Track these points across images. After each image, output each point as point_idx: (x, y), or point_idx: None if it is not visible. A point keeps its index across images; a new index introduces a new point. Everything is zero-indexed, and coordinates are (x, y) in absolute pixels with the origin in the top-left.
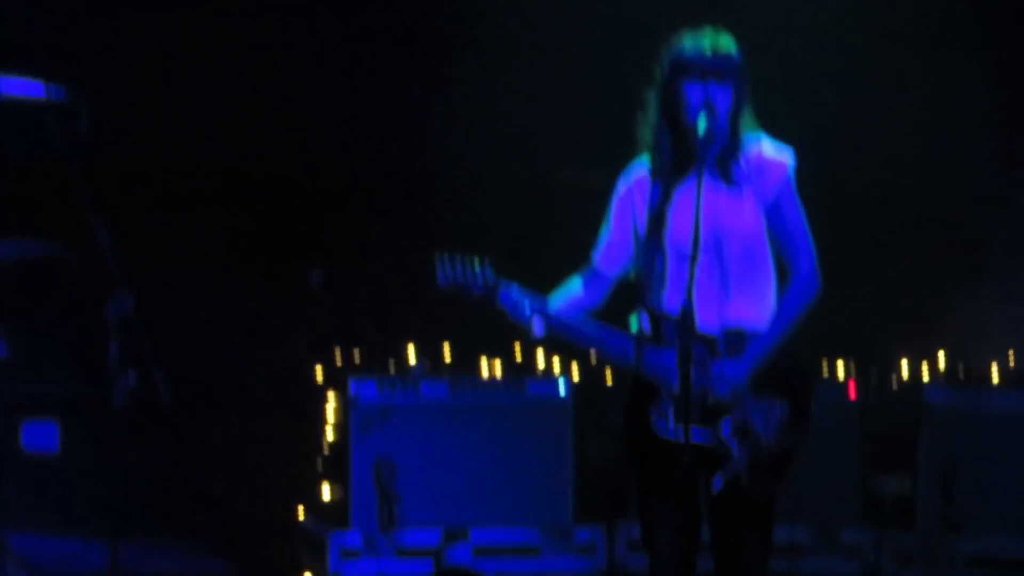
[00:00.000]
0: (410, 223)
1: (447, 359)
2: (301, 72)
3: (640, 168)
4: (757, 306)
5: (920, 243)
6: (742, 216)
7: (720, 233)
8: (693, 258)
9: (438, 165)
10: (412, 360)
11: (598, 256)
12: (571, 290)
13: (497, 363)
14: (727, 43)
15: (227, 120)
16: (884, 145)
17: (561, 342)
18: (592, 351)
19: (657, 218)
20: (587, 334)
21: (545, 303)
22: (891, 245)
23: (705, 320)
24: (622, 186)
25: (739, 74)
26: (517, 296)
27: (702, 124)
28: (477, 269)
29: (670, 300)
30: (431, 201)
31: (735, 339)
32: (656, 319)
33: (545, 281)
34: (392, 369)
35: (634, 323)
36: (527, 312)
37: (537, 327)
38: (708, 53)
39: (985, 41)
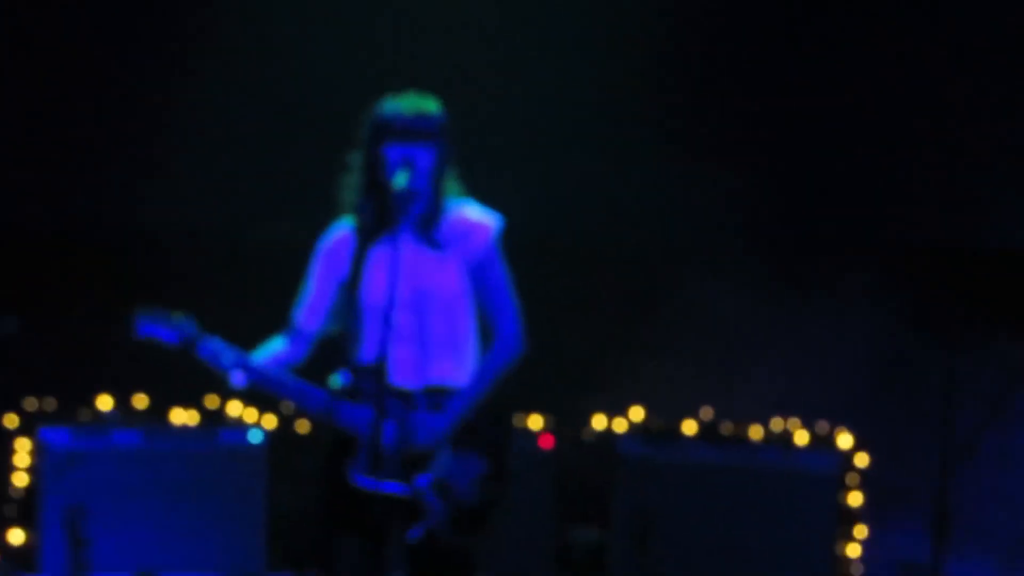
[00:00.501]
0: (106, 274)
1: (140, 409)
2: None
3: (342, 228)
4: (457, 364)
5: (616, 306)
6: (443, 276)
7: (420, 292)
8: (387, 315)
9: (135, 216)
10: (105, 409)
11: (299, 314)
12: (273, 347)
13: (191, 414)
14: (430, 105)
15: None
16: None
17: (256, 394)
18: (290, 403)
19: (356, 276)
20: (287, 387)
21: (246, 356)
22: (588, 307)
23: (404, 376)
24: (323, 245)
25: (441, 136)
26: (217, 348)
27: (400, 182)
28: (177, 321)
29: (367, 356)
30: (127, 252)
31: (434, 395)
32: (355, 374)
33: (241, 333)
34: (84, 418)
35: (334, 378)
36: (227, 363)
37: (237, 378)
38: (410, 114)
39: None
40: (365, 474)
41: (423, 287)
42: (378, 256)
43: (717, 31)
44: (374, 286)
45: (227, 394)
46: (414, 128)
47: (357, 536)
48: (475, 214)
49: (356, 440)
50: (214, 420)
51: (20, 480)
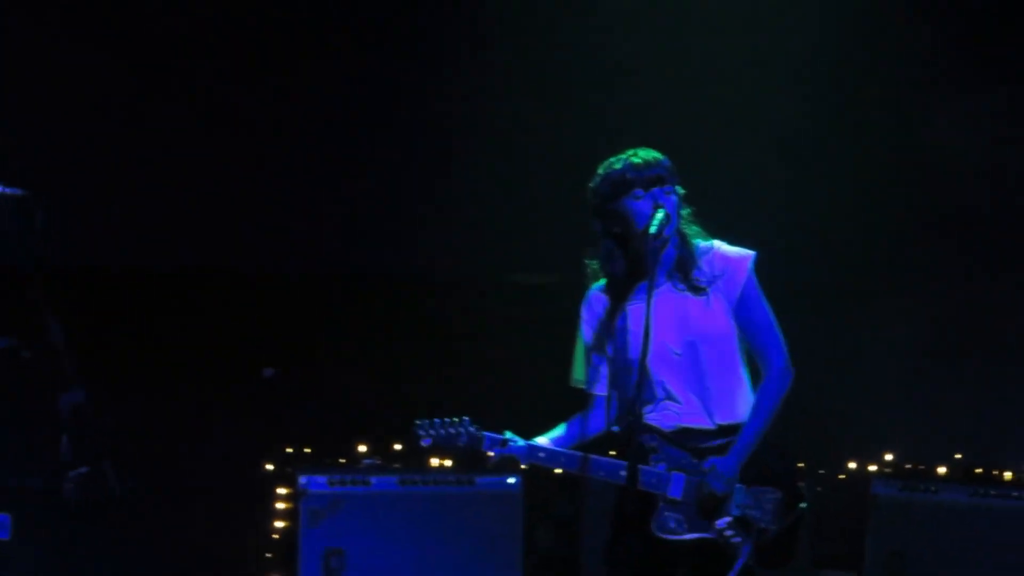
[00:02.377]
0: (366, 320)
1: (397, 459)
2: (258, 172)
3: (596, 294)
4: (735, 403)
5: (869, 348)
6: (712, 319)
7: (695, 338)
8: (642, 363)
9: (393, 265)
10: (362, 455)
11: (587, 384)
12: (570, 431)
13: (446, 463)
14: (655, 154)
15: (183, 221)
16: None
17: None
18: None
19: (616, 334)
20: (577, 466)
21: (527, 444)
22: (844, 347)
23: (692, 421)
24: (585, 312)
25: (675, 178)
26: (503, 442)
27: (654, 226)
28: (459, 425)
29: (652, 412)
30: (385, 300)
31: (727, 432)
32: (635, 431)
33: (499, 377)
34: (342, 464)
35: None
36: (518, 455)
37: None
38: (642, 163)
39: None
40: (671, 526)
41: (694, 334)
42: (637, 311)
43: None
44: (638, 342)
45: None
46: (651, 175)
47: None
48: (728, 250)
49: (652, 496)
50: (470, 465)
51: (279, 525)
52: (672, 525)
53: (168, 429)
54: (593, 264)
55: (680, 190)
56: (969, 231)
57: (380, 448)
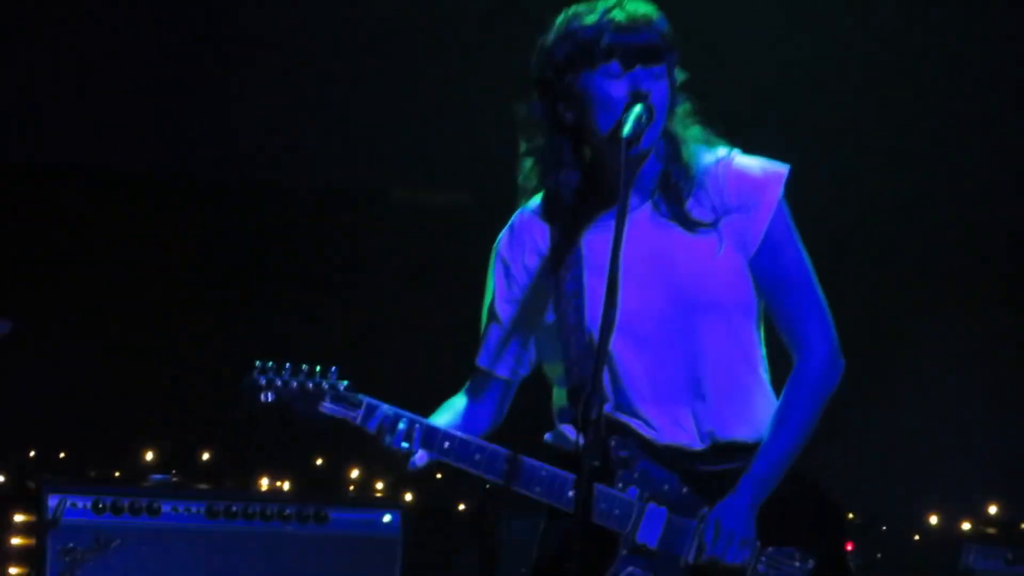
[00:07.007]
0: (179, 236)
1: (205, 475)
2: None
3: (528, 219)
4: (743, 411)
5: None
6: (714, 272)
7: (683, 300)
8: (604, 334)
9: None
10: (150, 471)
11: (486, 357)
12: (455, 408)
13: (284, 486)
14: (647, 8)
15: None
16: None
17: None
18: (500, 483)
19: (573, 282)
20: (498, 472)
21: (429, 426)
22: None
23: (677, 430)
24: (505, 252)
25: (673, 57)
26: (387, 412)
27: (627, 127)
28: (321, 378)
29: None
30: (220, 210)
31: (723, 455)
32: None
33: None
34: (116, 479)
35: (555, 439)
36: (401, 432)
37: (419, 456)
38: (627, 24)
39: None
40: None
41: (688, 290)
42: (598, 245)
43: None
44: (597, 295)
45: (345, 456)
46: (638, 43)
47: None
48: (749, 165)
49: (610, 535)
50: (321, 491)
51: (14, 572)
52: None
53: None
54: (527, 169)
55: (679, 73)
56: None
57: (179, 456)
